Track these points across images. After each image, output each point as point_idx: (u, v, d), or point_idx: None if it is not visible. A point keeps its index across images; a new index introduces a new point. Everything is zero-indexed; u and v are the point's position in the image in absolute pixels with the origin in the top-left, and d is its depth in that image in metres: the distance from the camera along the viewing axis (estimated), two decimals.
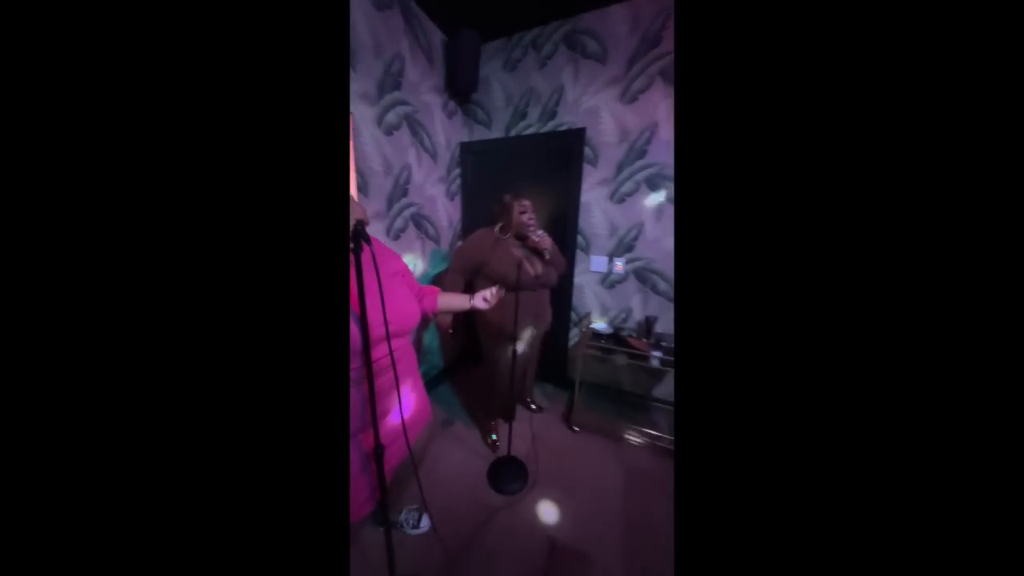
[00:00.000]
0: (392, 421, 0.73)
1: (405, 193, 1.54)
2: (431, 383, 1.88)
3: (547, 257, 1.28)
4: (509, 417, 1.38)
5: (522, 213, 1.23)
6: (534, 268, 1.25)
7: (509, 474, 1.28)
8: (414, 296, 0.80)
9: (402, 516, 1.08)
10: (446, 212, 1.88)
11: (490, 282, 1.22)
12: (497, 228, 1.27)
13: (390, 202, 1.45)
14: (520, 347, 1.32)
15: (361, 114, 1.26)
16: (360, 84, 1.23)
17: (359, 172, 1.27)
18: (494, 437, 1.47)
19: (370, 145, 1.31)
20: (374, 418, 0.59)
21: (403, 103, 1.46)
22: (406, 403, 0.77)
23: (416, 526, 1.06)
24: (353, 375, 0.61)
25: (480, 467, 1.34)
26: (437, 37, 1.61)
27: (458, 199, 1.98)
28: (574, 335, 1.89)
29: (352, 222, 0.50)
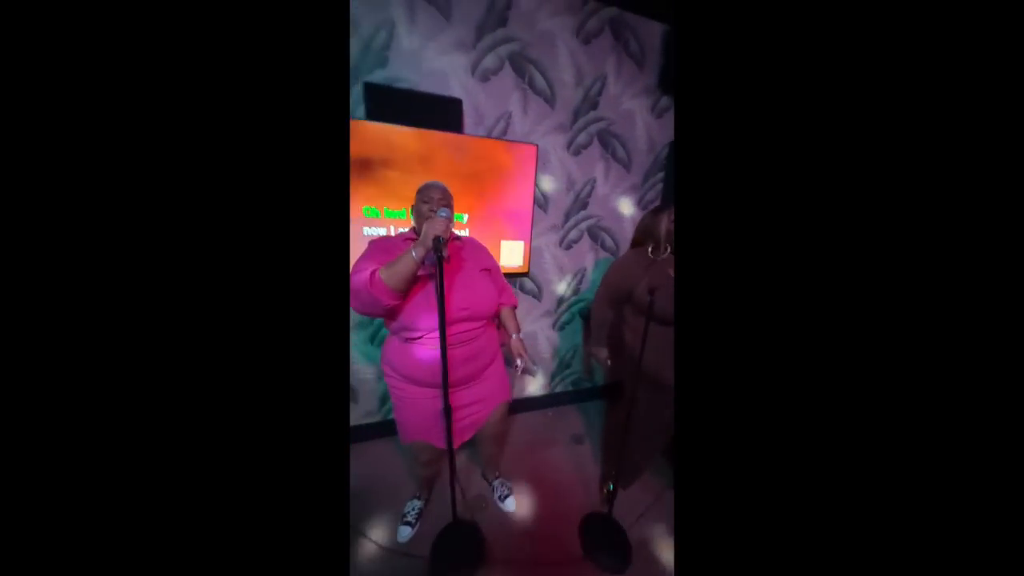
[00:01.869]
0: (468, 393, 0.92)
1: (584, 206, 1.61)
2: (584, 394, 1.90)
3: None
4: (623, 480, 1.15)
5: (673, 222, 0.96)
6: None
7: (606, 542, 1.08)
8: (496, 289, 0.92)
9: (497, 481, 1.28)
10: (634, 222, 1.74)
11: (643, 314, 1.05)
12: (649, 249, 1.05)
13: (567, 216, 1.60)
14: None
15: (553, 143, 1.47)
16: (555, 118, 1.44)
17: (540, 191, 1.52)
18: (612, 487, 1.29)
19: (557, 168, 1.51)
20: (444, 380, 0.80)
21: (599, 120, 1.51)
22: (486, 379, 0.94)
23: (503, 500, 1.22)
24: (434, 341, 0.80)
25: (583, 503, 1.25)
26: (655, 32, 1.47)
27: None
28: None
29: (432, 237, 0.66)
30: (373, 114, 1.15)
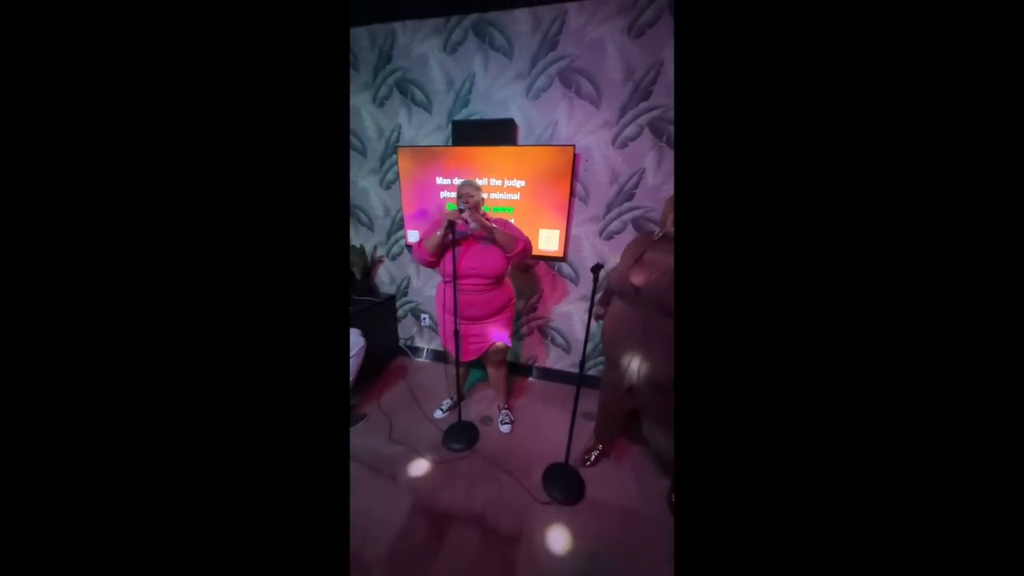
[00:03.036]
0: (473, 328, 1.40)
1: (630, 197, 1.64)
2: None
3: None
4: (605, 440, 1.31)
5: None
6: (660, 281, 0.97)
7: (565, 482, 1.31)
8: (498, 259, 1.31)
9: (505, 411, 1.66)
10: None
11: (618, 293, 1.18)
12: (656, 232, 1.13)
13: (608, 207, 1.68)
14: (630, 372, 1.14)
15: (599, 140, 1.60)
16: (600, 117, 1.56)
17: (582, 185, 1.68)
18: (591, 458, 1.42)
19: (601, 163, 1.63)
20: (455, 310, 1.31)
21: (652, 109, 1.50)
22: (488, 325, 1.40)
23: (502, 424, 1.62)
24: (450, 286, 1.32)
25: (558, 455, 1.42)
26: None
27: None
28: None
29: (448, 220, 1.17)
30: (457, 141, 1.73)
